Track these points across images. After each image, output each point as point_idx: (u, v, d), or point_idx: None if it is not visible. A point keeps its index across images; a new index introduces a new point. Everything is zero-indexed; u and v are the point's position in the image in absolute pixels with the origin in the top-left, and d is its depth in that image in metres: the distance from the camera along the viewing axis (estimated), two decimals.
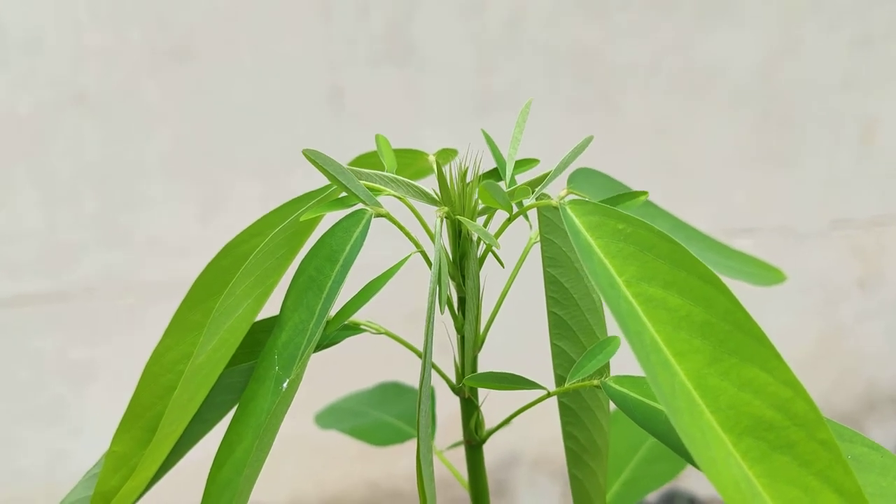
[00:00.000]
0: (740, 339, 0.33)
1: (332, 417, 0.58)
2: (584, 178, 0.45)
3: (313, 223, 0.40)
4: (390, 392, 0.59)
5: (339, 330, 0.40)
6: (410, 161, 0.47)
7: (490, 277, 0.42)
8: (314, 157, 0.37)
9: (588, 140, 0.38)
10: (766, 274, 0.51)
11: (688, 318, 0.33)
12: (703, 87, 1.24)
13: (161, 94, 1.09)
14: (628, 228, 0.35)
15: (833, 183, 1.31)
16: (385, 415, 0.57)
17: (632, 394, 0.38)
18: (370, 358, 0.87)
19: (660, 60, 1.21)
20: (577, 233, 0.35)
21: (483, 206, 0.40)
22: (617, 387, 0.38)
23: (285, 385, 0.34)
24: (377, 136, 0.43)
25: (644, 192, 0.36)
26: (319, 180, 0.38)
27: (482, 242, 0.40)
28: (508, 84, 1.17)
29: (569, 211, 0.36)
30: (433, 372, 0.41)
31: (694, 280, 0.34)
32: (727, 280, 0.50)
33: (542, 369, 0.48)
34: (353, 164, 0.53)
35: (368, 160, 0.53)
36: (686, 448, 0.34)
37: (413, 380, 0.77)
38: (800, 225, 1.31)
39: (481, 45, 1.16)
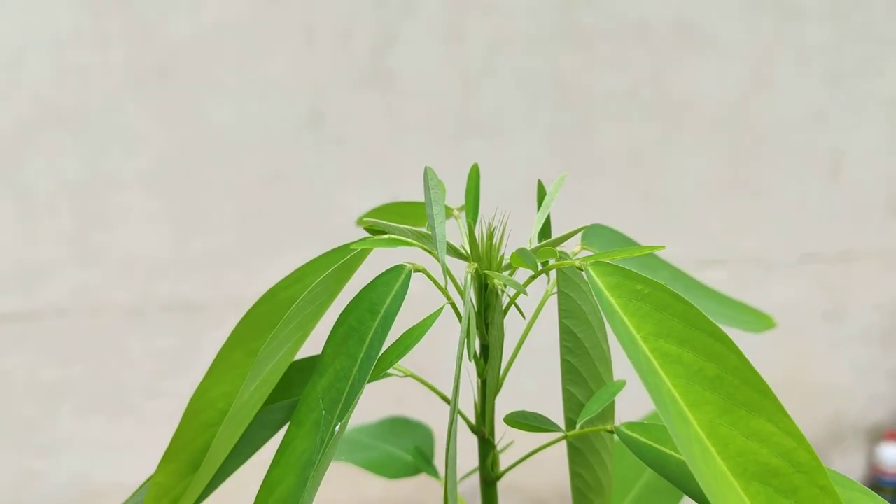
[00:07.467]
0: (748, 393, 0.36)
1: (342, 448, 0.61)
2: (595, 234, 0.49)
3: (352, 270, 0.43)
4: (399, 426, 0.61)
5: None
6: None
7: (507, 325, 0.46)
8: (429, 183, 0.40)
9: (562, 178, 0.42)
10: (758, 321, 0.56)
11: (700, 373, 0.37)
12: (678, 118, 1.28)
13: (141, 113, 1.10)
14: (646, 289, 0.38)
15: (803, 216, 1.35)
16: (396, 448, 0.59)
17: (643, 439, 0.41)
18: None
19: (636, 91, 1.25)
20: (600, 293, 0.39)
21: (507, 261, 0.43)
22: (630, 433, 0.41)
23: (338, 428, 0.37)
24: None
25: (659, 247, 0.40)
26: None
27: (505, 294, 0.44)
28: (488, 111, 1.20)
29: (592, 272, 0.39)
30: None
31: (706, 338, 0.37)
32: (723, 328, 0.54)
33: (549, 411, 0.52)
34: (371, 215, 0.56)
35: (386, 211, 0.57)
36: (696, 490, 0.38)
37: (407, 405, 0.80)
38: (770, 257, 1.36)
39: (462, 71, 1.19)
